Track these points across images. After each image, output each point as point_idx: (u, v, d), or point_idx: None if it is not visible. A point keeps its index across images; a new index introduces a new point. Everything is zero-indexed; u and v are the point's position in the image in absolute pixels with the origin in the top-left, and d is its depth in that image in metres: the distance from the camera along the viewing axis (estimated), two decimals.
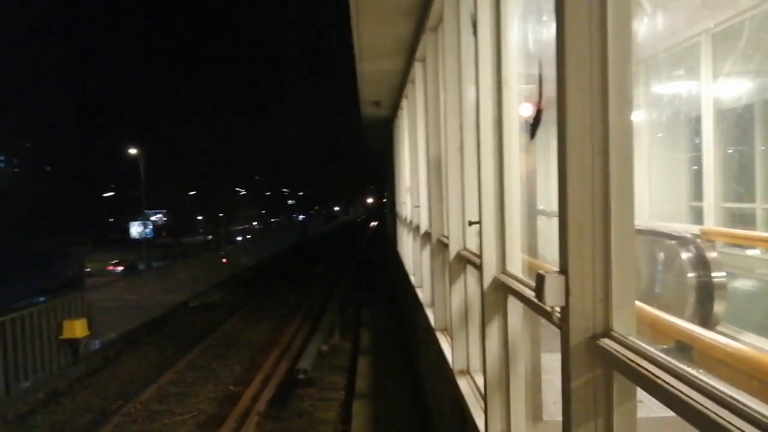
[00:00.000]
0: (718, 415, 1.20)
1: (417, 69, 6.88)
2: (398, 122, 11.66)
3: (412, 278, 8.63)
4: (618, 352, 1.63)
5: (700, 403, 1.27)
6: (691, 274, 5.18)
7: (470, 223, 3.92)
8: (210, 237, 48.72)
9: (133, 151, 44.60)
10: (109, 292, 16.14)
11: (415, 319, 8.17)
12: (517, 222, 3.04)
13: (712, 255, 5.26)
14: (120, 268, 33.04)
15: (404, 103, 9.68)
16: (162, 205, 66.12)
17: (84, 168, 63.65)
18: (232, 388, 9.24)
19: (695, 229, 5.66)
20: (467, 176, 4.29)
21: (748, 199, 6.78)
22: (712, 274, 5.11)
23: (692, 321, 4.97)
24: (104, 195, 64.26)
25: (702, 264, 5.17)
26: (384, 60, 7.81)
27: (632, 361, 1.56)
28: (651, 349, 1.57)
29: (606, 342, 1.70)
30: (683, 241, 5.47)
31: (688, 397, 1.31)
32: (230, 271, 23.37)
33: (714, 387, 1.29)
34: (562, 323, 1.81)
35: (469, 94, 4.28)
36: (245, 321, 14.36)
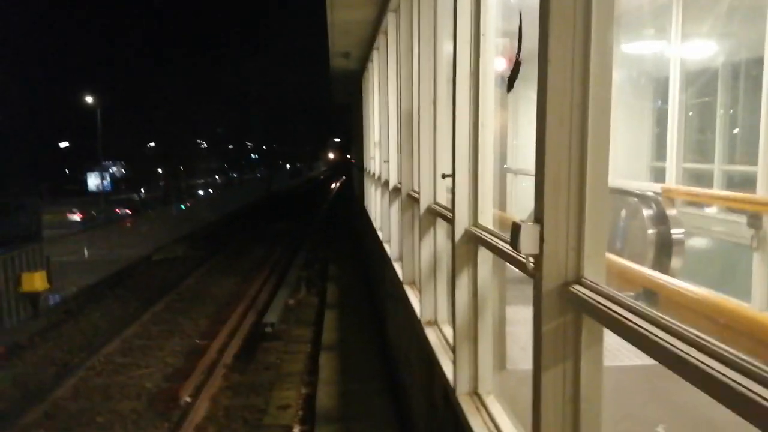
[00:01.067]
0: (682, 351, 1.27)
1: (390, 19, 6.77)
2: (368, 75, 11.52)
3: (380, 233, 8.69)
4: (588, 297, 1.70)
5: (666, 341, 1.34)
6: (651, 230, 5.36)
7: (443, 176, 3.94)
8: (166, 191, 47.75)
9: (89, 99, 43.03)
10: (69, 246, 15.84)
11: (383, 273, 8.26)
12: (489, 175, 3.08)
13: (671, 212, 5.44)
14: (78, 216, 32.61)
15: (375, 55, 9.54)
16: (121, 156, 64.42)
17: (39, 116, 61.26)
18: (197, 341, 9.26)
19: (657, 187, 5.83)
20: (440, 130, 4.30)
21: (707, 160, 6.99)
22: (671, 231, 5.30)
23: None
24: (60, 145, 62.15)
25: (662, 220, 5.35)
26: (356, 9, 7.65)
27: (602, 305, 1.62)
28: (621, 295, 1.63)
29: (577, 288, 1.76)
30: (645, 199, 5.63)
31: (655, 336, 1.38)
32: (193, 226, 23.10)
33: (677, 325, 1.35)
34: (536, 271, 1.87)
35: (445, 46, 4.25)
36: (210, 276, 14.29)
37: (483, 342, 3.11)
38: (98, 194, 46.48)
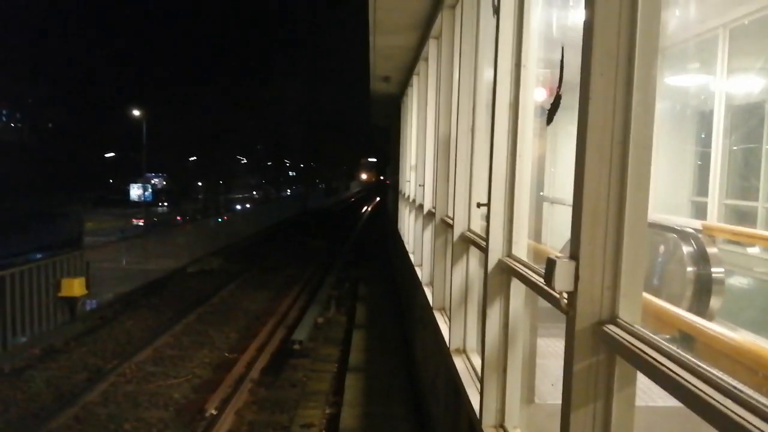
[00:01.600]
0: (716, 401, 1.24)
1: (431, 46, 6.83)
2: (407, 99, 11.62)
3: (412, 256, 8.67)
4: (622, 338, 1.67)
5: (700, 389, 1.31)
6: (690, 268, 5.23)
7: (479, 205, 3.93)
8: (205, 204, 48.89)
9: (136, 112, 44.41)
10: (109, 253, 16.22)
11: (413, 296, 8.23)
12: (525, 206, 3.07)
13: (712, 250, 5.30)
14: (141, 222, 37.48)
15: (414, 80, 9.63)
16: (162, 169, 66.03)
17: (87, 127, 63.31)
18: (227, 354, 9.34)
19: (697, 223, 5.70)
20: (477, 158, 4.30)
21: (751, 197, 6.80)
22: (711, 270, 5.15)
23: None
24: (106, 155, 64.05)
25: (702, 258, 5.22)
26: (398, 35, 7.75)
27: (635, 347, 1.59)
28: (655, 337, 1.60)
29: (611, 328, 1.73)
30: (684, 235, 5.51)
31: (689, 383, 1.35)
32: (229, 239, 23.44)
33: (714, 374, 1.32)
34: (569, 308, 1.84)
35: (485, 75, 4.27)
36: (242, 289, 14.44)
37: (512, 374, 3.06)
38: (139, 204, 47.74)
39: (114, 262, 16.36)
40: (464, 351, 4.33)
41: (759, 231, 6.01)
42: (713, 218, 6.04)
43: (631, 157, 1.75)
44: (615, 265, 1.78)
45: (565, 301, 1.88)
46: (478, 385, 3.44)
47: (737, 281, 5.99)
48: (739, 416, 1.17)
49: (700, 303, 5.15)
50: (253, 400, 7.52)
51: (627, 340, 1.65)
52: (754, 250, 5.95)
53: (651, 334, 1.63)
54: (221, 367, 8.65)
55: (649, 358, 1.53)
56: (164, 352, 9.28)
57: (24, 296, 9.70)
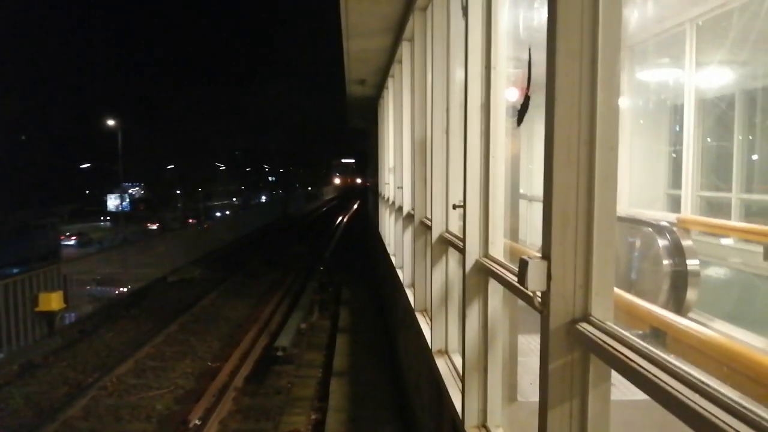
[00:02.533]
0: (687, 397, 1.26)
1: (404, 49, 6.85)
2: (383, 102, 11.63)
3: (393, 258, 8.68)
4: (595, 336, 1.68)
5: (670, 386, 1.33)
6: (666, 261, 5.31)
7: (454, 207, 3.95)
8: (184, 213, 48.68)
9: (111, 122, 43.86)
10: (86, 265, 15.99)
11: (395, 299, 8.24)
12: (501, 207, 3.08)
13: (687, 243, 5.39)
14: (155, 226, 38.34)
15: (390, 82, 9.65)
16: (140, 178, 65.34)
17: (61, 138, 62.43)
18: (210, 363, 9.26)
19: (672, 217, 5.78)
20: (452, 159, 4.32)
21: (725, 188, 6.92)
22: (687, 262, 5.24)
23: (665, 307, 5.11)
24: (81, 166, 63.22)
25: (677, 252, 5.30)
26: (371, 38, 7.76)
27: (608, 345, 1.61)
28: (627, 334, 1.62)
29: (584, 326, 1.75)
30: (659, 229, 5.59)
31: (660, 380, 1.37)
32: (209, 247, 23.24)
33: (684, 371, 1.34)
34: (543, 307, 1.86)
35: (457, 76, 4.29)
36: (224, 297, 14.33)
37: (493, 374, 3.08)
38: (117, 215, 47.19)
39: (92, 274, 16.13)
40: (446, 352, 4.34)
41: (732, 222, 6.12)
42: (687, 211, 6.12)
43: (597, 156, 1.77)
44: (586, 263, 1.80)
45: (539, 300, 1.89)
46: (460, 386, 3.45)
47: (713, 273, 6.09)
48: (706, 410, 1.19)
49: (676, 296, 5.23)
50: (237, 409, 7.46)
51: (600, 338, 1.67)
52: (728, 241, 6.06)
53: (623, 331, 1.65)
54: (204, 377, 8.57)
55: (621, 355, 1.55)
56: (146, 363, 9.16)
57: (0, 312, 9.52)
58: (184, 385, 8.33)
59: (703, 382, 1.27)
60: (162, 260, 18.48)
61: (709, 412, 1.18)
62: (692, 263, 5.21)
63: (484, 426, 3.08)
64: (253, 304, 13.40)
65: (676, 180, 7.29)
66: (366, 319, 10.84)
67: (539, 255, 1.89)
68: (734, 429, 1.11)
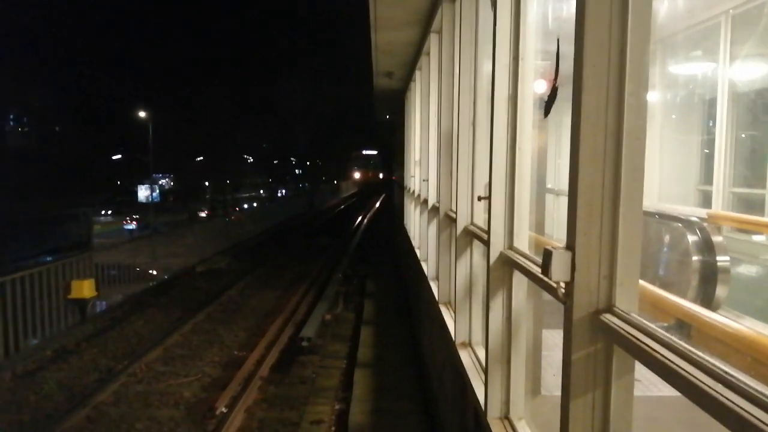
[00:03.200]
0: (712, 389, 1.25)
1: (432, 41, 6.83)
2: (410, 95, 11.61)
3: (418, 251, 8.69)
4: (619, 327, 1.68)
5: (696, 378, 1.31)
6: (695, 257, 5.22)
7: (479, 198, 3.95)
8: (212, 204, 49.50)
9: (142, 114, 44.54)
10: (118, 255, 16.35)
11: (419, 291, 8.25)
12: (526, 199, 3.07)
13: (717, 239, 5.29)
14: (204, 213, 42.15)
15: (417, 75, 9.63)
16: (170, 170, 66.36)
17: (94, 130, 63.68)
18: (236, 352, 9.40)
19: (702, 212, 5.69)
20: (478, 151, 4.30)
21: (758, 185, 6.77)
22: (717, 258, 5.15)
23: (694, 303, 5.03)
24: (113, 157, 64.41)
25: (707, 247, 5.21)
26: (399, 31, 7.75)
27: (632, 336, 1.60)
28: (651, 325, 1.61)
29: (608, 317, 1.74)
30: (689, 225, 5.50)
31: (685, 371, 1.36)
32: (237, 238, 23.54)
33: (710, 362, 1.33)
34: (567, 298, 1.86)
35: (485, 68, 4.27)
36: (251, 288, 14.51)
37: (516, 366, 3.08)
38: (147, 205, 47.99)
39: (123, 263, 16.49)
40: (470, 344, 4.35)
41: (764, 218, 5.99)
42: (719, 207, 6.02)
43: (624, 147, 1.76)
44: (611, 254, 1.79)
45: (563, 291, 1.89)
46: (483, 378, 3.46)
47: (744, 269, 5.97)
48: (733, 403, 1.17)
49: (705, 292, 5.15)
50: (262, 398, 7.57)
51: (623, 329, 1.66)
52: (760, 238, 5.93)
53: (647, 323, 1.64)
54: (231, 366, 8.70)
55: (645, 347, 1.54)
56: (174, 351, 9.34)
57: (35, 299, 9.80)
58: (211, 373, 8.48)
59: (732, 376, 1.25)
60: (190, 250, 18.81)
61: (739, 406, 1.15)
62: (722, 259, 5.11)
63: (507, 418, 3.08)
64: (278, 295, 13.55)
65: (707, 176, 7.14)
66: (390, 311, 10.88)
67: (564, 246, 1.89)
68: (761, 421, 1.09)
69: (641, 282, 2.12)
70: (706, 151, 7.46)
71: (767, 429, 1.07)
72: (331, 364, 8.76)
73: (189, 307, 12.26)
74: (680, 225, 5.56)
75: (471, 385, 3.65)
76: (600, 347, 1.81)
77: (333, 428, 6.60)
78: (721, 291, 5.09)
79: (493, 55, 3.28)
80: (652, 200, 7.20)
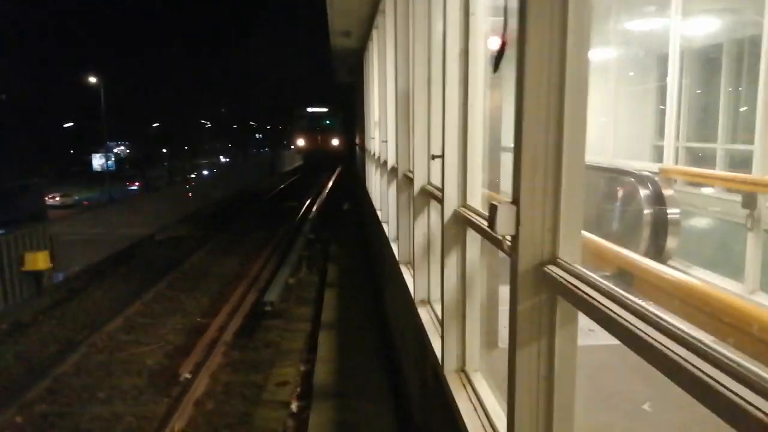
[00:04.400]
0: (646, 333, 1.29)
1: None
2: (368, 54, 11.45)
3: (379, 213, 8.71)
4: (562, 278, 1.72)
5: (633, 324, 1.35)
6: (647, 210, 5.37)
7: (433, 157, 3.95)
8: (170, 171, 48.57)
9: (93, 79, 42.98)
10: (73, 225, 15.92)
11: (382, 253, 8.30)
12: (479, 156, 3.08)
13: (668, 192, 5.45)
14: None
15: (374, 34, 9.49)
16: (125, 137, 64.53)
17: (43, 97, 61.22)
18: (199, 319, 9.35)
19: (655, 167, 5.83)
20: (433, 110, 4.29)
21: (710, 139, 6.95)
22: (667, 211, 5.30)
23: (646, 255, 5.19)
24: (64, 126, 62.21)
25: (658, 201, 5.36)
26: None
27: (575, 286, 1.64)
28: (592, 275, 1.65)
29: (552, 268, 1.78)
30: (641, 179, 5.63)
31: (623, 318, 1.40)
32: (196, 205, 23.18)
33: (646, 310, 1.37)
34: (512, 251, 1.89)
35: (438, 25, 4.22)
36: (213, 255, 14.38)
37: (471, 321, 3.14)
38: (102, 174, 46.81)
39: (81, 234, 16.08)
40: (428, 302, 4.41)
41: (713, 171, 6.17)
42: (670, 161, 6.16)
43: (566, 102, 1.77)
44: (554, 207, 1.82)
45: (509, 244, 1.92)
46: (441, 334, 3.52)
47: (694, 222, 6.17)
48: (668, 348, 1.20)
49: (657, 244, 5.32)
50: (227, 362, 7.59)
51: (566, 280, 1.70)
52: (709, 190, 6.12)
53: (589, 273, 1.68)
54: (194, 332, 8.67)
55: (586, 296, 1.58)
56: (135, 320, 9.25)
57: None
58: (174, 340, 8.44)
59: (661, 318, 1.29)
60: (149, 219, 18.45)
61: (671, 350, 1.19)
62: (673, 212, 5.28)
63: (463, 371, 3.15)
64: (241, 261, 13.47)
65: (663, 131, 7.28)
66: (354, 274, 10.94)
67: (509, 201, 1.91)
68: (695, 366, 1.12)
69: (587, 234, 2.17)
70: (662, 107, 7.60)
71: (693, 368, 1.11)
72: (295, 327, 8.81)
73: (149, 275, 12.10)
74: (633, 179, 5.69)
75: (429, 341, 3.72)
76: (544, 298, 1.85)
77: (298, 389, 6.68)
78: (671, 242, 5.27)
79: (443, 10, 3.24)
80: (606, 156, 7.34)
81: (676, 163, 6.81)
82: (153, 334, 8.63)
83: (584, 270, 1.71)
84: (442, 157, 3.32)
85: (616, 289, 1.54)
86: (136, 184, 45.26)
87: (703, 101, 7.47)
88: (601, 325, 1.51)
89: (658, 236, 5.26)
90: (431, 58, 4.42)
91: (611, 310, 1.47)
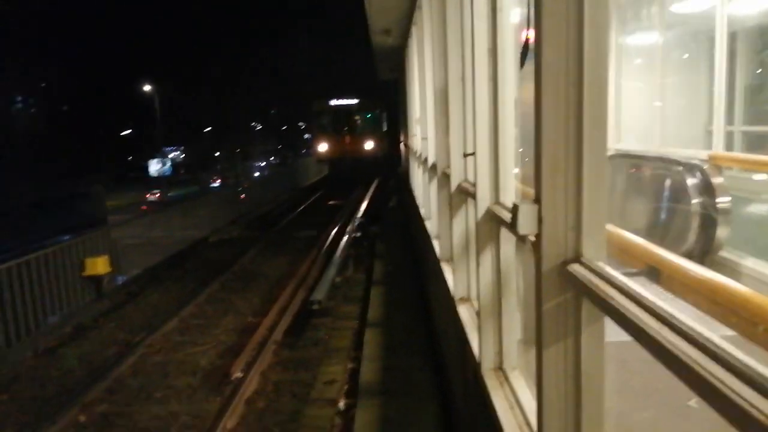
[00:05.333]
0: (664, 337, 1.26)
1: None
2: (408, 52, 11.45)
3: (422, 211, 8.72)
4: (585, 277, 1.69)
5: (653, 328, 1.32)
6: (695, 200, 5.19)
7: (465, 155, 3.94)
8: (223, 175, 49.94)
9: (147, 88, 44.49)
10: (131, 230, 16.53)
11: (425, 250, 8.30)
12: (511, 152, 3.05)
13: (717, 180, 5.25)
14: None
15: (414, 31, 9.48)
16: (179, 142, 66.46)
17: (101, 106, 63.69)
18: (250, 319, 9.57)
19: (703, 154, 5.62)
20: (468, 107, 4.27)
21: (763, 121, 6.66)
22: (717, 200, 5.11)
23: (695, 246, 5.04)
24: (122, 134, 64.60)
25: (707, 190, 5.17)
26: None
27: (596, 286, 1.62)
28: (615, 274, 1.63)
29: (575, 267, 1.76)
30: (690, 167, 5.45)
31: (644, 323, 1.37)
32: (248, 207, 23.68)
33: (671, 315, 1.32)
34: (536, 250, 1.88)
35: (468, 21, 4.20)
36: (263, 255, 14.67)
37: (507, 319, 3.12)
38: (159, 179, 48.46)
39: (138, 238, 16.69)
40: (468, 299, 4.40)
41: (766, 157, 5.90)
42: (720, 147, 5.94)
43: (586, 98, 1.74)
44: (577, 205, 1.79)
45: (533, 241, 1.91)
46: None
47: (747, 210, 5.93)
48: (684, 353, 1.18)
49: (706, 234, 5.13)
50: (277, 361, 7.75)
51: (589, 279, 1.67)
52: (762, 177, 5.87)
53: (611, 272, 1.65)
54: (245, 332, 8.88)
55: (608, 297, 1.55)
56: (190, 321, 9.54)
57: (50, 278, 9.99)
58: (226, 340, 8.67)
59: (685, 325, 1.25)
60: (204, 222, 18.96)
61: (695, 360, 1.13)
62: (723, 201, 5.08)
63: (501, 368, 3.14)
64: (290, 261, 13.70)
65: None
66: (400, 271, 10.98)
67: (531, 200, 1.90)
68: (704, 368, 1.09)
69: (615, 229, 2.13)
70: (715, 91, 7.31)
71: (703, 369, 1.09)
72: (342, 325, 8.91)
73: (203, 277, 12.46)
74: (681, 168, 5.51)
75: (468, 339, 3.72)
76: (569, 297, 1.83)
77: (345, 387, 6.76)
78: (722, 232, 5.07)
79: (471, 6, 3.23)
80: (654, 145, 7.12)
81: (731, 149, 6.56)
82: (206, 335, 8.89)
83: (607, 269, 1.68)
84: (474, 154, 3.30)
85: (638, 290, 1.50)
86: (218, 180, 47.54)
87: (759, 83, 7.15)
88: (621, 327, 1.49)
89: (707, 226, 5.07)
90: (465, 54, 4.40)
91: (631, 311, 1.44)
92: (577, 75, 1.76)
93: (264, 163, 63.23)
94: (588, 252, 1.78)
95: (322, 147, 32.53)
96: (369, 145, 32.10)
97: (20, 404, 6.96)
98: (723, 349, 1.11)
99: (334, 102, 32.46)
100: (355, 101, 32.52)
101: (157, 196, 42.08)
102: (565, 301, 1.83)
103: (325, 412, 6.22)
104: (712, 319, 1.52)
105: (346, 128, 32.14)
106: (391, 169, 28.71)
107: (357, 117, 32.61)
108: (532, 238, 1.91)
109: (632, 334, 1.43)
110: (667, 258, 1.85)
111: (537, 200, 1.85)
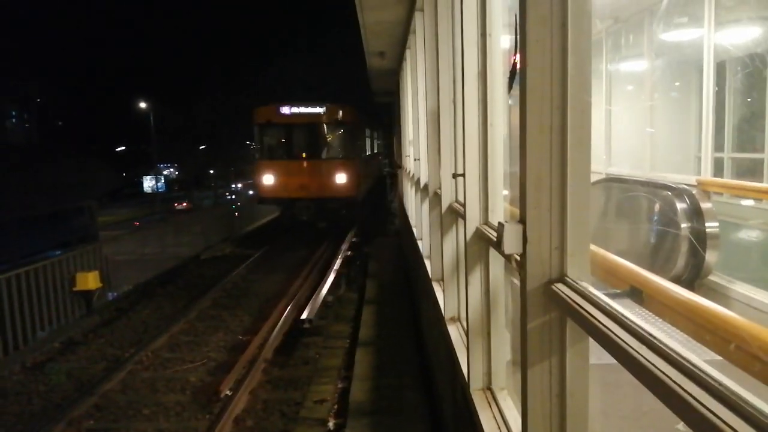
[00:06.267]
0: (645, 358, 1.28)
1: (417, 19, 6.82)
2: (402, 74, 11.59)
3: (415, 230, 8.76)
4: (569, 297, 1.73)
5: (634, 349, 1.34)
6: (684, 224, 5.26)
7: (454, 176, 3.99)
8: (216, 192, 50.39)
9: (143, 105, 44.63)
10: (123, 246, 16.48)
11: (417, 270, 8.33)
12: (500, 174, 3.11)
13: (706, 205, 5.32)
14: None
15: (407, 54, 9.60)
16: (173, 159, 66.48)
17: (95, 123, 63.76)
18: (240, 337, 9.53)
19: (692, 179, 5.71)
20: (458, 129, 4.33)
21: (755, 149, 6.76)
22: (706, 225, 5.18)
23: (684, 270, 5.09)
24: (116, 150, 64.52)
25: (695, 214, 5.24)
26: (386, 10, 7.75)
27: (579, 305, 1.65)
28: (597, 294, 1.66)
29: (559, 287, 1.80)
30: (678, 192, 5.52)
31: (625, 342, 1.40)
32: (241, 224, 23.66)
33: (653, 336, 1.34)
34: (521, 269, 1.91)
35: (460, 46, 4.29)
36: (254, 273, 14.64)
37: (496, 339, 3.14)
38: (153, 196, 48.41)
39: (130, 254, 16.63)
40: (458, 319, 4.42)
41: (753, 183, 6.00)
42: (708, 173, 6.03)
43: (570, 122, 1.79)
44: (561, 226, 1.84)
45: (517, 260, 1.94)
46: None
47: (735, 235, 6.00)
48: (665, 374, 1.20)
49: (695, 258, 5.19)
50: (266, 380, 7.71)
51: (572, 299, 1.71)
52: (749, 203, 5.95)
53: (594, 292, 1.69)
54: (235, 350, 8.84)
55: (590, 316, 1.58)
56: (180, 338, 9.49)
57: (41, 293, 9.94)
58: (216, 357, 8.62)
59: (668, 347, 1.26)
60: (196, 239, 18.93)
61: (670, 378, 1.18)
62: (711, 225, 5.15)
63: (489, 389, 3.16)
64: (282, 279, 13.67)
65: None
66: (392, 291, 10.98)
67: (516, 220, 1.94)
68: (687, 391, 1.11)
69: (599, 250, 2.17)
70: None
71: (685, 393, 1.11)
72: (333, 344, 8.89)
73: (194, 294, 12.41)
74: (669, 193, 5.58)
75: (457, 358, 3.73)
76: (554, 316, 1.86)
77: (335, 407, 6.73)
78: (711, 257, 5.13)
79: (461, 31, 3.30)
80: (644, 170, 7.21)
81: (721, 175, 6.65)
82: (196, 352, 8.84)
83: (591, 289, 1.72)
84: (463, 175, 3.35)
85: (621, 310, 1.54)
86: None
87: (746, 112, 7.28)
88: (603, 347, 1.52)
89: (696, 251, 5.13)
90: (455, 78, 4.48)
91: (612, 331, 1.47)
92: (561, 99, 1.81)
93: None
94: (572, 272, 1.82)
95: (267, 180, 20.26)
96: (341, 177, 20.09)
97: (5, 419, 6.88)
98: (705, 372, 1.13)
99: (286, 109, 19.96)
100: (319, 109, 19.99)
101: (184, 205, 45.45)
102: (550, 320, 1.87)
103: (314, 431, 6.18)
104: (695, 342, 1.56)
105: (304, 152, 20.24)
106: (380, 224, 20.42)
107: (323, 133, 20.28)
108: (518, 258, 1.95)
109: (613, 354, 1.46)
110: (650, 279, 1.90)
111: (522, 220, 1.90)
